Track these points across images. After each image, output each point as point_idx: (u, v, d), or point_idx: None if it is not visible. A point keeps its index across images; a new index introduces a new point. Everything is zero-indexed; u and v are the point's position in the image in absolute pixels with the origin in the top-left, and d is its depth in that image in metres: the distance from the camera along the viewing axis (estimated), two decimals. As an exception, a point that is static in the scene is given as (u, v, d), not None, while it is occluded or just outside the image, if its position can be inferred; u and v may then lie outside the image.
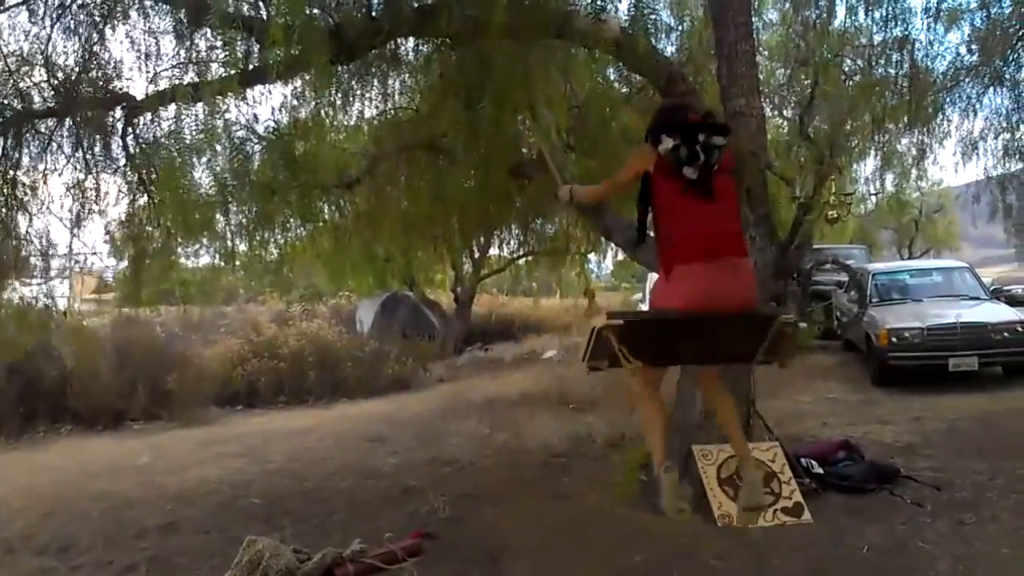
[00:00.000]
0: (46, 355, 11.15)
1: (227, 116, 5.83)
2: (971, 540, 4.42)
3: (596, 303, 3.84)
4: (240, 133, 6.11)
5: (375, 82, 6.28)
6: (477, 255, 18.12)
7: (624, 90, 7.49)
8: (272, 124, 6.33)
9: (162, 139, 5.76)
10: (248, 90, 5.74)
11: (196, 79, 5.25)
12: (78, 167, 5.90)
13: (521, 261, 16.92)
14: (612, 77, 7.32)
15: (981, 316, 9.95)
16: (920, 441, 6.99)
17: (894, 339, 9.72)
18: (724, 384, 3.69)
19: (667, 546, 4.55)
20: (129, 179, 6.14)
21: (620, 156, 6.99)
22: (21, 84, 5.55)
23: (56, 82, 5.57)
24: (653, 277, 15.17)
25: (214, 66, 5.37)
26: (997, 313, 10.19)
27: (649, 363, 3.19)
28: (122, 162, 5.98)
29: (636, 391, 3.40)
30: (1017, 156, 8.69)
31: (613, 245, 8.89)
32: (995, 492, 5.29)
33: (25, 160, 5.87)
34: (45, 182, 5.96)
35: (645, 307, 17.59)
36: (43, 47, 5.45)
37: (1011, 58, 7.89)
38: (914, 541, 4.46)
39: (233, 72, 4.91)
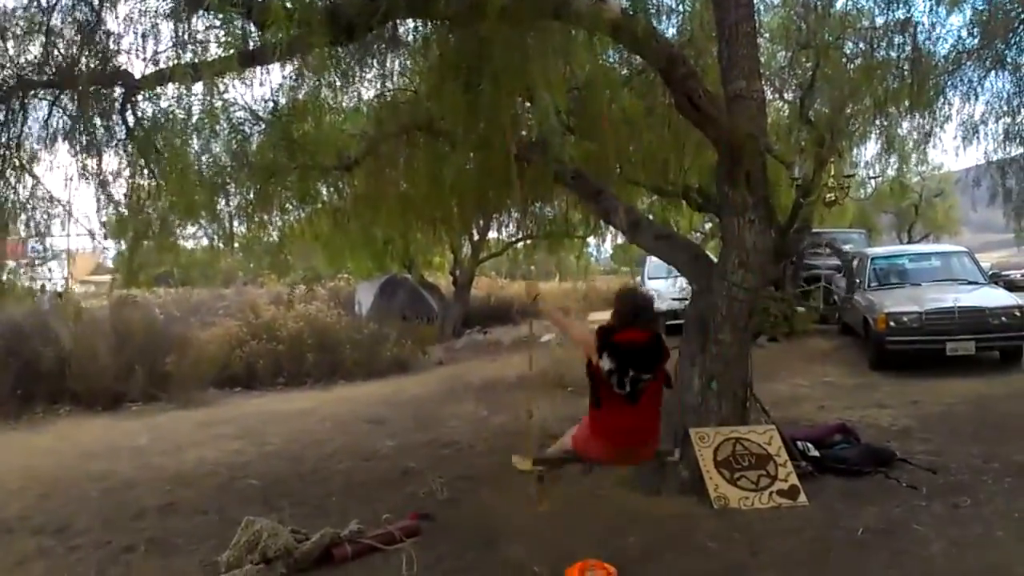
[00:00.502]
0: (44, 336, 11.17)
1: (226, 97, 5.79)
2: (966, 523, 4.45)
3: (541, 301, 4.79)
4: (239, 114, 6.07)
5: (374, 63, 6.23)
6: (476, 238, 18.10)
7: (624, 72, 7.44)
8: (271, 104, 6.29)
9: (160, 119, 5.71)
10: (247, 71, 5.69)
11: (195, 60, 5.21)
12: (78, 144, 5.85)
13: (520, 245, 16.91)
14: (612, 59, 7.28)
15: (979, 301, 9.97)
16: (916, 425, 7.02)
17: (892, 323, 9.73)
18: None
19: (663, 528, 4.57)
20: (130, 158, 6.10)
21: (619, 139, 7.00)
22: (20, 58, 5.50)
23: (57, 57, 5.52)
24: (652, 261, 15.19)
25: (213, 47, 5.33)
26: (995, 298, 10.21)
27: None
28: (122, 140, 5.94)
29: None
30: (1018, 140, 8.64)
31: (612, 228, 8.87)
32: (990, 476, 5.32)
33: (24, 136, 5.83)
34: (49, 149, 5.90)
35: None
36: (43, 20, 5.39)
37: (1013, 41, 7.84)
38: (909, 524, 4.48)
39: (232, 52, 4.86)
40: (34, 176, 5.93)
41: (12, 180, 5.78)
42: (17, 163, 5.76)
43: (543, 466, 4.33)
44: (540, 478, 4.38)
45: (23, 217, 5.95)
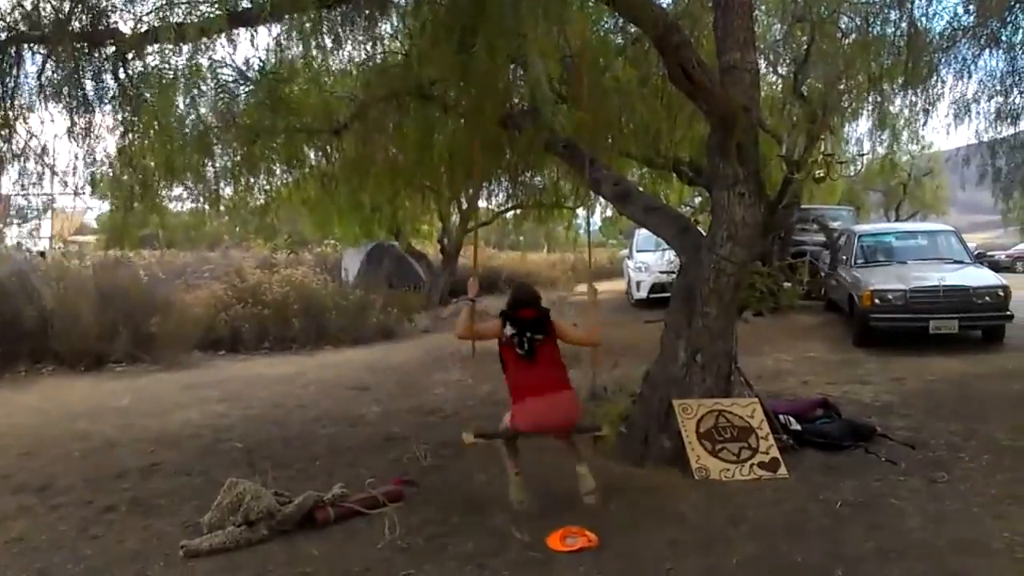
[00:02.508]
0: (27, 295, 11.08)
1: (213, 57, 5.69)
2: (942, 498, 4.50)
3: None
4: (226, 72, 5.97)
5: (364, 25, 6.13)
6: (465, 207, 18.00)
7: (619, 41, 7.37)
8: (259, 64, 6.19)
9: (148, 77, 5.61)
10: (235, 31, 5.59)
11: (182, 19, 5.11)
12: (68, 101, 5.74)
13: (509, 214, 16.84)
14: (606, 27, 7.20)
15: (963, 280, 10.03)
16: (897, 401, 7.08)
17: (877, 300, 9.79)
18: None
19: (644, 498, 4.61)
20: (117, 117, 6.00)
21: (612, 109, 6.94)
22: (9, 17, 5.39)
23: (47, 12, 5.40)
24: (642, 233, 15.22)
25: (202, 6, 5.23)
26: (979, 277, 10.27)
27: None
28: (113, 96, 5.84)
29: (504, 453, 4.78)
30: (1008, 120, 8.65)
31: (602, 200, 8.84)
32: (968, 452, 5.38)
33: (16, 91, 5.73)
34: (38, 107, 5.81)
35: (630, 263, 17.62)
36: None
37: (1008, 20, 7.81)
38: (887, 498, 4.53)
39: (219, 12, 4.76)
40: (27, 129, 5.84)
41: (4, 134, 5.69)
42: (11, 117, 5.67)
43: (483, 439, 4.80)
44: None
45: (14, 171, 5.88)
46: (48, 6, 5.35)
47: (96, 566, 4.06)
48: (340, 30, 5.88)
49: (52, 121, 5.87)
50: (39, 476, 5.72)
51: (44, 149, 6.00)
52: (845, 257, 11.90)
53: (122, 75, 5.71)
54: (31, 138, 5.90)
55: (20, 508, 5.02)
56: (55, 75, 5.67)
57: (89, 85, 5.74)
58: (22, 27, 5.40)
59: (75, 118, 5.81)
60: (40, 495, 5.28)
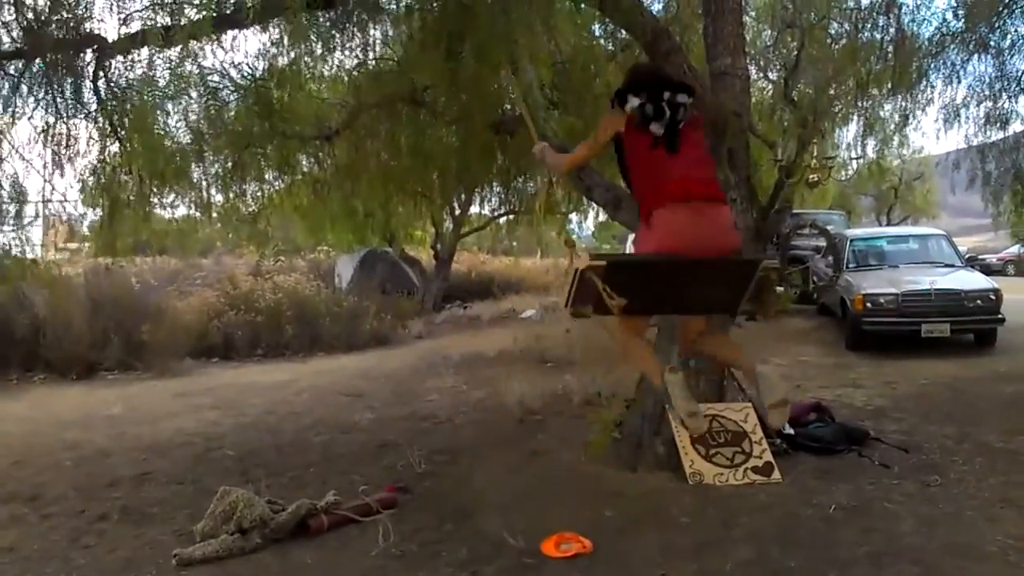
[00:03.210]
0: (18, 303, 11.02)
1: (201, 62, 5.68)
2: (936, 501, 4.51)
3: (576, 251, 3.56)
4: (215, 79, 5.95)
5: (355, 30, 6.13)
6: (458, 212, 18.02)
7: (609, 47, 7.39)
8: (247, 69, 6.18)
9: (134, 83, 5.59)
10: (223, 35, 5.58)
11: (168, 23, 5.09)
12: (49, 110, 5.72)
13: (502, 220, 16.87)
14: (597, 33, 7.22)
15: (955, 283, 10.07)
16: (890, 405, 7.10)
17: (869, 304, 9.82)
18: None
19: (638, 503, 4.61)
20: (101, 124, 5.98)
21: (603, 114, 6.94)
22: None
23: (25, 22, 5.38)
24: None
25: (188, 9, 5.21)
26: (971, 281, 10.32)
27: (633, 310, 3.18)
28: (93, 106, 5.81)
29: (621, 338, 3.49)
30: (998, 124, 8.69)
31: (594, 205, 8.83)
32: (961, 456, 5.39)
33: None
34: (13, 124, 5.78)
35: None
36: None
37: (996, 25, 7.85)
38: (880, 501, 4.54)
39: (206, 15, 4.75)
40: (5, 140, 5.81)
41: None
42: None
43: (602, 262, 3.21)
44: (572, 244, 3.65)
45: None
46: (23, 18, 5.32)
47: (88, 575, 4.03)
48: (330, 35, 5.89)
49: (39, 131, 5.80)
50: (30, 485, 5.67)
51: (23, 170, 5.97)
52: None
53: (102, 84, 5.69)
54: (13, 149, 5.87)
55: (11, 517, 4.98)
56: (34, 84, 5.66)
57: (71, 92, 5.72)
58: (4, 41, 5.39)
59: (58, 125, 5.79)
60: (31, 504, 5.24)
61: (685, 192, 3.28)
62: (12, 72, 5.64)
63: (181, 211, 7.73)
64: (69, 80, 5.53)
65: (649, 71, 3.74)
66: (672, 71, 3.85)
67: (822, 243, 13.96)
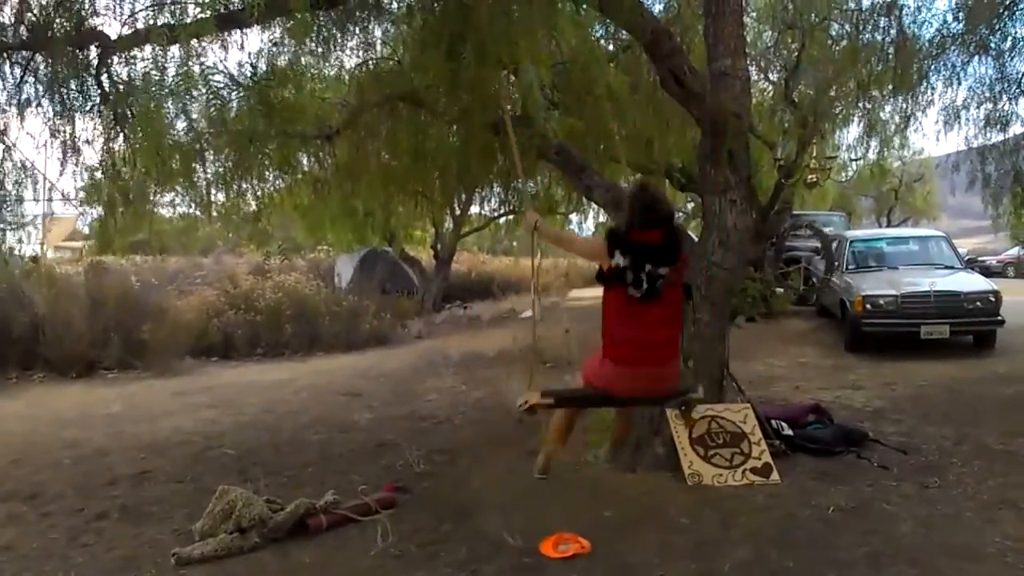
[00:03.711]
0: (18, 301, 11.03)
1: (203, 61, 5.67)
2: (934, 503, 4.51)
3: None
4: (217, 78, 5.95)
5: (356, 31, 6.14)
6: (458, 212, 18.02)
7: (610, 48, 7.39)
8: (250, 69, 6.17)
9: (136, 81, 5.58)
10: (226, 34, 5.58)
11: (171, 21, 5.09)
12: (52, 107, 5.72)
13: (502, 220, 16.86)
14: (598, 34, 7.21)
15: (954, 285, 10.07)
16: (889, 406, 7.11)
17: (869, 306, 9.83)
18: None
19: (637, 504, 4.61)
20: (104, 121, 5.97)
21: (604, 115, 6.95)
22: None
23: (30, 18, 5.38)
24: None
25: (191, 8, 5.22)
26: (970, 283, 10.32)
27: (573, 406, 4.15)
28: (97, 103, 5.81)
29: (560, 413, 4.19)
30: (998, 126, 8.70)
31: (594, 205, 8.84)
32: (960, 457, 5.40)
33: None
34: (22, 119, 5.78)
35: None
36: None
37: (996, 27, 7.85)
38: (879, 503, 4.54)
39: (210, 14, 4.75)
40: (6, 143, 5.81)
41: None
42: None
43: (550, 399, 3.92)
44: (531, 409, 4.03)
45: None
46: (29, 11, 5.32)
47: (87, 574, 4.03)
48: (332, 35, 5.89)
49: (39, 129, 5.81)
50: (29, 483, 5.67)
51: (24, 164, 5.97)
52: (837, 263, 11.94)
53: (105, 81, 5.68)
54: (10, 150, 5.87)
55: (9, 516, 4.98)
56: (38, 80, 5.65)
57: (75, 88, 5.72)
58: (3, 36, 5.38)
59: (60, 125, 5.79)
60: (30, 503, 5.24)
61: (638, 359, 3.69)
62: (18, 61, 5.64)
63: (182, 210, 7.73)
64: (73, 76, 5.52)
65: (643, 227, 3.64)
66: (666, 208, 3.79)
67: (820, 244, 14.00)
